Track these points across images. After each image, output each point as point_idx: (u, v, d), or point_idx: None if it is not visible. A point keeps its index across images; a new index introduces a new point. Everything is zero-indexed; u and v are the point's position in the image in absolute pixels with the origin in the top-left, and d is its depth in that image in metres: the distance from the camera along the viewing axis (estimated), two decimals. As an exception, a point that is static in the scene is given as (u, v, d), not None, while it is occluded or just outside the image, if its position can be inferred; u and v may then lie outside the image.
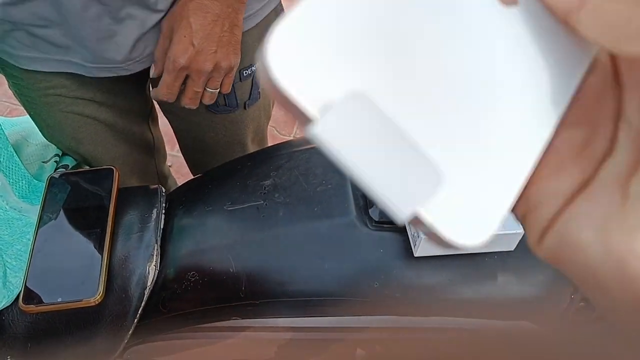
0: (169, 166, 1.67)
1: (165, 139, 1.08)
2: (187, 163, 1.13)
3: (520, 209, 0.22)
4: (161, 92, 0.73)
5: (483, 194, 0.20)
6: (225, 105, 0.85)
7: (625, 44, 0.17)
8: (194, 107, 0.76)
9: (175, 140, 1.04)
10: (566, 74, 0.22)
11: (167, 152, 1.16)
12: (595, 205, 0.20)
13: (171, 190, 1.15)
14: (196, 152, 1.04)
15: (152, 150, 1.01)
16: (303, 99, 0.16)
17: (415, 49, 0.18)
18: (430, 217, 0.18)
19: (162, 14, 0.69)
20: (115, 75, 0.74)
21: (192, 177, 1.14)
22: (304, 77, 0.16)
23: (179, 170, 1.66)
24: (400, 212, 0.17)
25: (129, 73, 0.75)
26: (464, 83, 0.20)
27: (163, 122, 1.01)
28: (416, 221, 0.18)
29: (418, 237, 0.56)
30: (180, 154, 1.10)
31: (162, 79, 0.71)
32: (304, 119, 0.16)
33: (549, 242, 0.21)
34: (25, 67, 0.72)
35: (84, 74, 0.73)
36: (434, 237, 0.19)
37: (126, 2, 0.65)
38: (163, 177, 1.11)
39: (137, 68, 0.74)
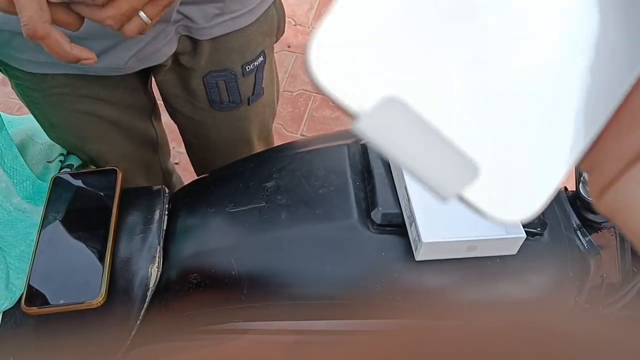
0: (176, 163, 1.67)
1: (171, 137, 1.09)
2: (192, 164, 1.13)
3: (585, 164, 0.22)
4: (113, 17, 0.51)
5: (526, 174, 0.20)
6: (229, 101, 0.85)
7: None
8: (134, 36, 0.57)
9: (181, 137, 1.04)
10: None
11: (174, 149, 1.16)
12: None
13: (176, 187, 1.16)
14: (201, 152, 1.04)
15: (156, 147, 1.01)
16: (345, 98, 0.18)
17: (446, 49, 0.19)
18: (472, 197, 0.19)
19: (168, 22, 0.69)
20: (118, 74, 0.75)
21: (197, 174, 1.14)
22: (345, 79, 0.18)
23: (186, 168, 1.66)
24: (443, 196, 0.19)
25: (132, 71, 0.75)
26: (503, 62, 0.20)
27: (166, 119, 1.01)
28: (461, 201, 0.20)
29: (419, 241, 0.55)
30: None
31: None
32: (348, 114, 0.18)
33: (606, 200, 0.21)
34: (30, 71, 0.72)
35: (89, 73, 0.73)
36: (482, 215, 0.20)
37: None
38: (167, 174, 1.11)
39: (140, 66, 0.75)
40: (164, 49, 0.74)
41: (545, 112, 0.20)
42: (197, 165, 1.13)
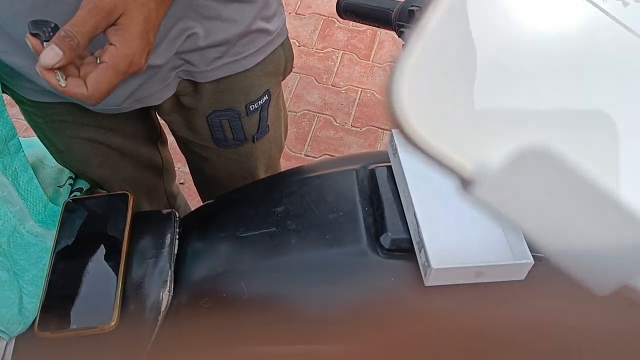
0: (181, 183, 1.68)
1: (176, 157, 1.09)
2: (199, 194, 1.13)
3: None
4: (99, 96, 0.51)
5: None
6: (234, 139, 0.85)
7: None
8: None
9: (188, 168, 1.04)
10: None
11: (178, 169, 1.17)
12: None
13: (180, 209, 1.16)
14: (208, 184, 1.04)
15: (161, 171, 1.01)
16: (456, 157, 0.12)
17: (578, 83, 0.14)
18: None
19: (162, 67, 0.69)
20: (116, 112, 0.75)
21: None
22: (451, 133, 0.12)
23: (191, 187, 1.66)
24: (605, 286, 0.13)
25: (129, 110, 0.75)
26: None
27: (171, 140, 1.01)
28: (623, 289, 0.14)
29: (429, 266, 0.56)
30: (192, 171, 1.11)
31: (103, 78, 0.51)
32: (459, 179, 0.13)
33: None
34: (32, 99, 0.73)
35: (88, 108, 0.74)
36: None
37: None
38: (172, 197, 1.11)
39: (137, 106, 0.74)
40: (161, 93, 0.73)
41: None
42: (203, 196, 1.13)
